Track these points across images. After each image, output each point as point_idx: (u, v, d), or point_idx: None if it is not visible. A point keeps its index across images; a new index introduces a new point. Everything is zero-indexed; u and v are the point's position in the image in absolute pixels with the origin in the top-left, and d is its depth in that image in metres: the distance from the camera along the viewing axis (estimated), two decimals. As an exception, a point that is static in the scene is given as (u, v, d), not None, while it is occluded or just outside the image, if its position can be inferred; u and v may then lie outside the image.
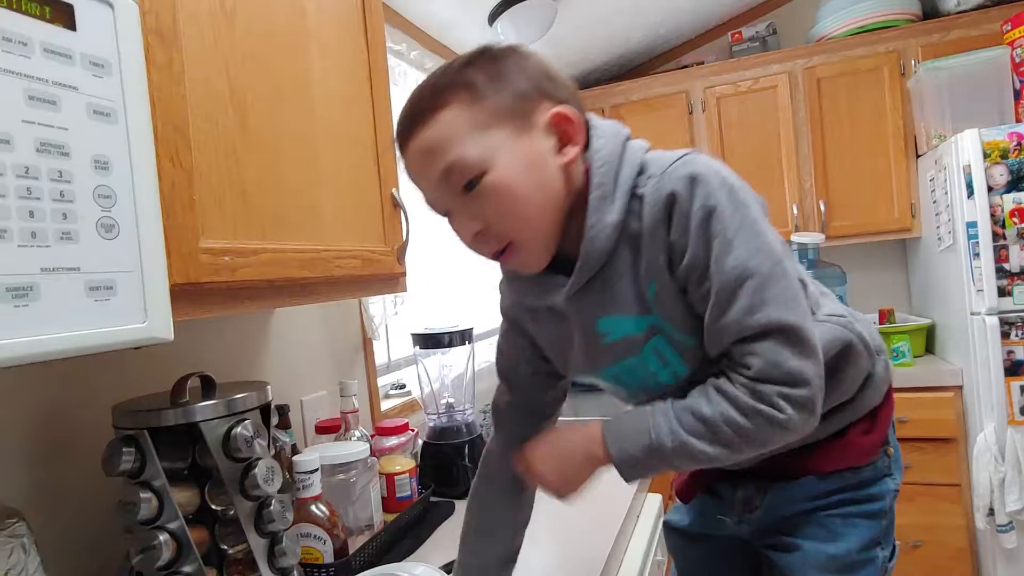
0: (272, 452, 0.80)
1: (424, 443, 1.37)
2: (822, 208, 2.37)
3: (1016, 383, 1.79)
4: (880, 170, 2.31)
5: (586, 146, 0.66)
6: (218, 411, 0.72)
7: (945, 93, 2.05)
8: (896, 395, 2.44)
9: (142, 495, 0.66)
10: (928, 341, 2.32)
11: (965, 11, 2.20)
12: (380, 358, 1.68)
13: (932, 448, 2.04)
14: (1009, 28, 2.03)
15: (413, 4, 1.75)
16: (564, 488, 0.70)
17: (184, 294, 0.59)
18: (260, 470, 0.73)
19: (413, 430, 1.33)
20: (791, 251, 0.66)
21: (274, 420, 0.90)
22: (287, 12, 0.78)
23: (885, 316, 2.45)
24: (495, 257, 0.66)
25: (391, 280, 0.99)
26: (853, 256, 2.57)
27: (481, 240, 0.65)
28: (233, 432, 0.71)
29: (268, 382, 0.81)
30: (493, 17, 1.94)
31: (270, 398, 0.79)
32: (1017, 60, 2.00)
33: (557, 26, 2.11)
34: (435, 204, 0.66)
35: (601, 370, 0.76)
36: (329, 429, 1.18)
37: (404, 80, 1.68)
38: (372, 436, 1.25)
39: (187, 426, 0.69)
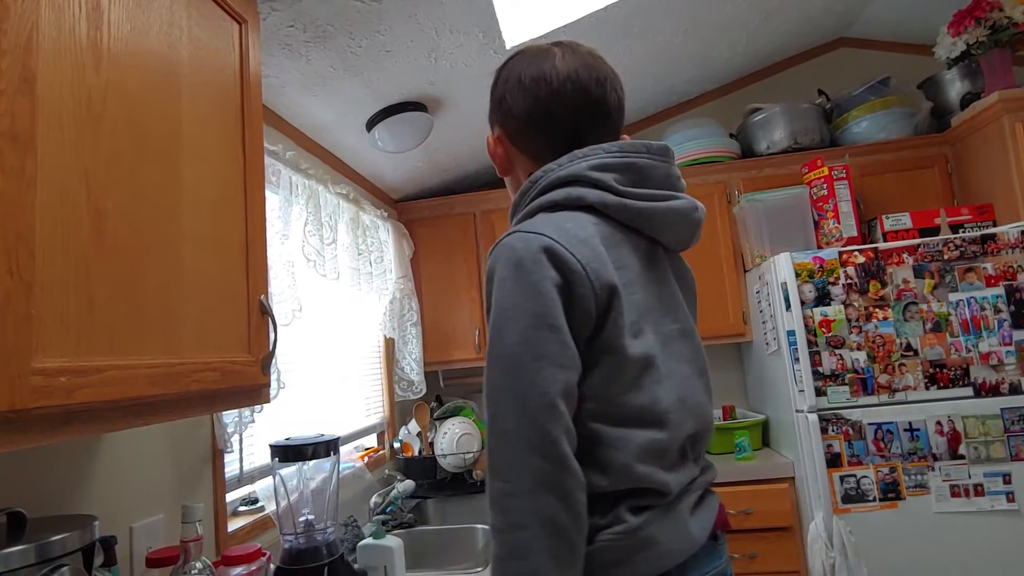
0: (93, 602, 0.68)
1: (277, 569, 1.24)
2: (671, 313, 2.61)
3: (836, 474, 2.02)
4: (717, 282, 2.62)
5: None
6: (27, 558, 0.61)
7: (763, 220, 2.42)
8: (740, 488, 2.59)
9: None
10: (764, 435, 2.57)
11: (774, 154, 2.65)
12: (231, 469, 1.52)
13: (774, 537, 2.20)
14: (806, 171, 2.47)
15: (291, 105, 1.76)
16: None
17: (4, 423, 0.51)
18: (77, 628, 0.61)
19: (265, 554, 1.20)
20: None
21: (98, 560, 0.77)
22: (160, 116, 0.76)
23: (728, 412, 2.69)
24: None
25: (253, 391, 0.93)
26: (698, 357, 2.82)
27: None
28: (47, 583, 0.60)
29: (95, 516, 0.70)
30: (371, 124, 2.00)
31: (95, 537, 0.68)
32: (814, 197, 2.43)
33: (434, 135, 2.22)
34: None
35: None
36: (163, 561, 1.03)
37: (278, 179, 1.65)
38: (216, 565, 1.11)
39: (-15, 580, 0.58)
